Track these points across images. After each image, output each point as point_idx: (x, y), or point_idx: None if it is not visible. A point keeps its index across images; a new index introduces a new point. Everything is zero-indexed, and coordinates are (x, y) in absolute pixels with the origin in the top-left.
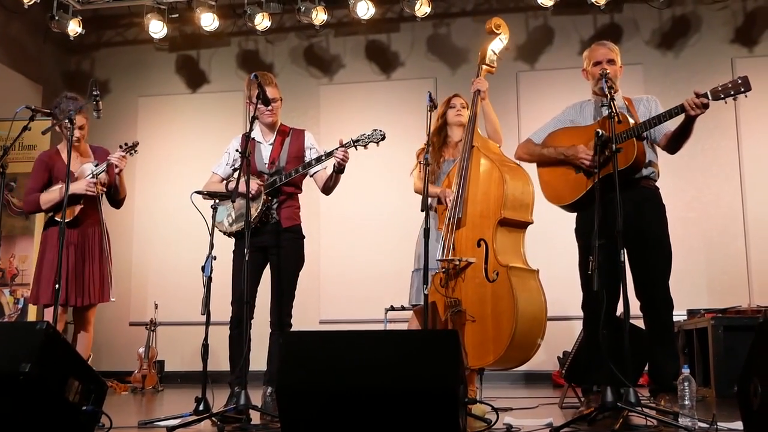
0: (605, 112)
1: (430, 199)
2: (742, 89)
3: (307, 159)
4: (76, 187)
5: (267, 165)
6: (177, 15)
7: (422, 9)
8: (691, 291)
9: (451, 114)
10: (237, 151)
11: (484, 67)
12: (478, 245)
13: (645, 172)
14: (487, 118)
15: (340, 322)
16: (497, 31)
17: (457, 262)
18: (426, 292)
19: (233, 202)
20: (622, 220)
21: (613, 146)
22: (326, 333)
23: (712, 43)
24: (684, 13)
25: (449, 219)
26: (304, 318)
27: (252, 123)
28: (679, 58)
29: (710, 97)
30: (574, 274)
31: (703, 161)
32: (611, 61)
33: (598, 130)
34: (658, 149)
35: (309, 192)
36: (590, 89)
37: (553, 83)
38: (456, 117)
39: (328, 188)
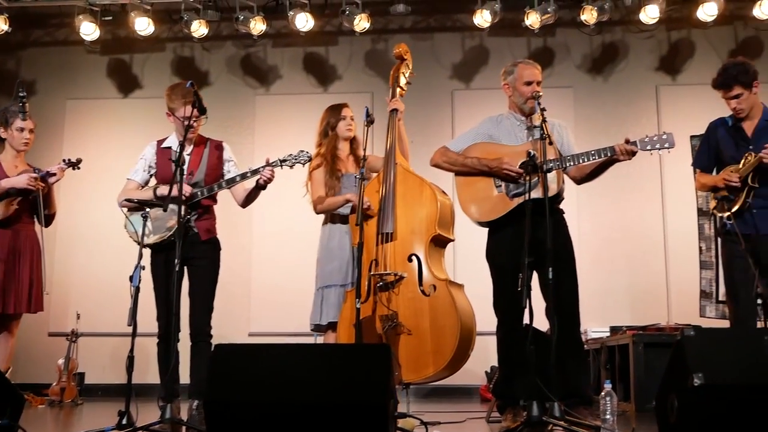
0: (537, 133)
1: (341, 210)
2: (667, 145)
3: (225, 171)
4: (16, 181)
5: (186, 176)
6: (110, 17)
7: (361, 24)
8: (614, 308)
9: (343, 127)
10: (170, 160)
11: (398, 89)
12: (410, 260)
13: (560, 197)
14: (401, 138)
15: (271, 334)
16: (405, 57)
17: (389, 277)
18: (358, 306)
19: (165, 210)
20: (550, 240)
21: (545, 168)
22: (257, 346)
23: (639, 70)
24: (613, 41)
25: (378, 234)
26: (233, 329)
27: (187, 131)
28: (607, 82)
29: (639, 146)
30: None
31: (627, 182)
32: (539, 83)
33: (531, 150)
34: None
35: (240, 215)
36: (508, 104)
37: (488, 102)
38: (347, 131)
39: (246, 202)
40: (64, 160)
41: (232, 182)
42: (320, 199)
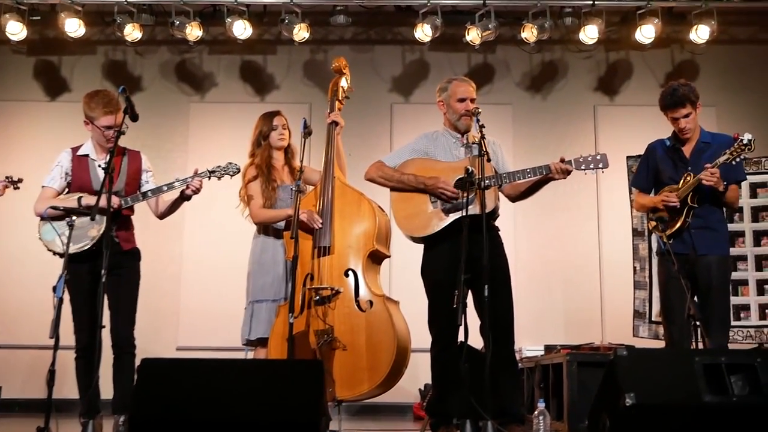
0: (475, 150)
1: (280, 224)
2: (601, 165)
3: (144, 182)
4: None
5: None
6: (39, 17)
7: (300, 34)
8: (549, 327)
9: (275, 136)
10: (100, 166)
11: (337, 102)
12: (346, 275)
13: (496, 214)
14: (339, 153)
15: (200, 349)
16: (345, 71)
17: (325, 291)
18: (291, 320)
19: (93, 219)
20: (486, 257)
21: (482, 184)
22: (185, 360)
23: (577, 89)
24: (552, 59)
25: (315, 247)
26: (160, 343)
27: (117, 137)
28: (546, 100)
29: (574, 166)
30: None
31: (563, 201)
32: (473, 101)
33: (469, 167)
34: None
35: (171, 225)
36: (443, 120)
37: (427, 117)
38: (279, 140)
39: (166, 213)
40: (7, 177)
41: (158, 191)
42: (260, 210)
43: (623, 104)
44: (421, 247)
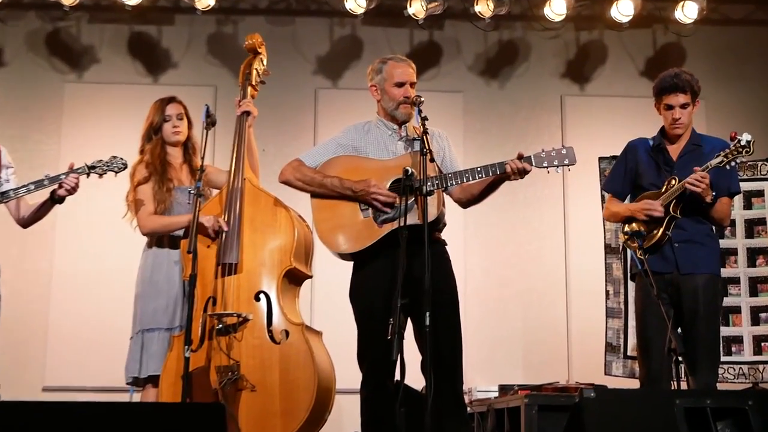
0: (416, 145)
1: (178, 232)
2: (567, 162)
3: (3, 180)
4: None
5: None
6: None
7: (204, 0)
8: (504, 362)
9: (168, 129)
10: None
11: (250, 88)
12: (257, 299)
13: (441, 224)
14: (251, 148)
15: (72, 389)
16: (260, 51)
17: (230, 318)
18: (187, 354)
19: None
20: (428, 277)
21: (425, 187)
22: (53, 404)
23: (542, 75)
24: (512, 39)
25: (219, 264)
26: (21, 382)
27: None
28: (504, 89)
29: (533, 163)
30: None
31: (525, 209)
32: (413, 85)
33: (408, 167)
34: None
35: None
36: (376, 109)
37: (359, 105)
38: (173, 133)
39: (31, 220)
40: None
41: (22, 192)
42: (150, 217)
43: (596, 94)
44: (349, 265)
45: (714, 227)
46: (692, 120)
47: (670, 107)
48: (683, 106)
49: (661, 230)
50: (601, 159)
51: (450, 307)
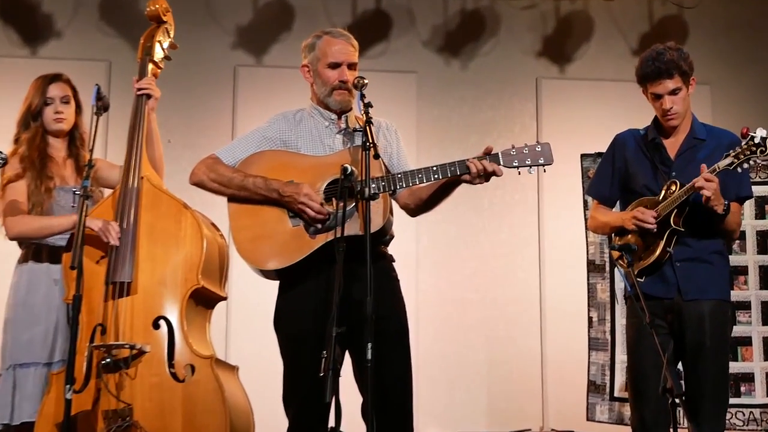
0: (358, 139)
1: (51, 240)
2: (541, 161)
3: None
4: None
5: None
6: None
7: None
8: (465, 406)
9: (49, 114)
10: None
11: (152, 65)
12: (156, 326)
13: (388, 236)
14: (152, 139)
15: None
16: (165, 19)
17: (122, 350)
18: (69, 396)
19: None
20: (371, 300)
21: (367, 190)
22: None
23: (513, 54)
24: (478, 8)
25: (108, 284)
26: None
27: None
28: (467, 69)
29: (501, 162)
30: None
31: (491, 219)
32: (353, 66)
33: (347, 166)
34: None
35: None
36: (310, 94)
37: (287, 87)
38: (55, 121)
39: None
40: None
41: None
42: (22, 218)
43: (579, 78)
44: (274, 285)
45: (724, 241)
46: (690, 104)
47: (657, 96)
48: (673, 93)
49: (661, 246)
50: (584, 157)
51: (397, 338)
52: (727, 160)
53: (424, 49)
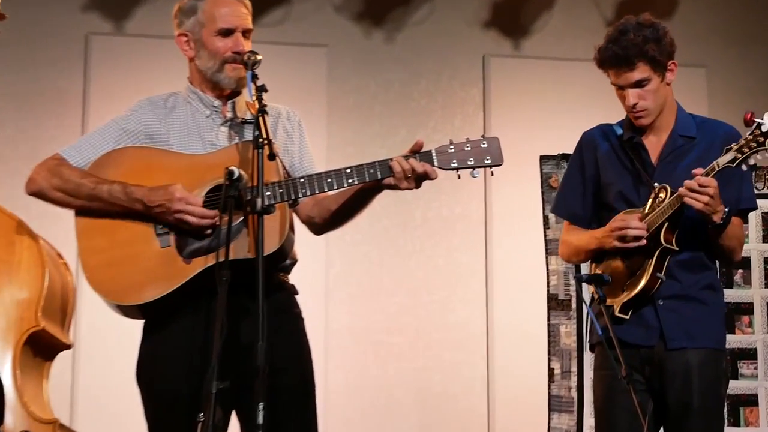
0: (248, 132)
1: None
2: (488, 160)
3: None
4: None
5: None
6: None
7: None
8: None
9: None
10: None
11: None
12: None
13: (288, 260)
14: None
15: None
16: None
17: None
18: None
19: None
20: (264, 343)
21: (260, 200)
22: None
23: (454, 25)
24: None
25: None
26: None
27: None
28: (394, 43)
29: (436, 163)
30: None
31: (424, 239)
32: (248, 34)
33: (234, 168)
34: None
35: None
36: (188, 73)
37: (156, 60)
38: None
39: None
40: None
41: None
42: None
43: (538, 56)
44: (135, 325)
45: (718, 269)
46: (669, 96)
47: (620, 88)
48: (639, 84)
49: (650, 270)
50: (545, 159)
51: (300, 396)
52: (728, 156)
53: (338, 15)
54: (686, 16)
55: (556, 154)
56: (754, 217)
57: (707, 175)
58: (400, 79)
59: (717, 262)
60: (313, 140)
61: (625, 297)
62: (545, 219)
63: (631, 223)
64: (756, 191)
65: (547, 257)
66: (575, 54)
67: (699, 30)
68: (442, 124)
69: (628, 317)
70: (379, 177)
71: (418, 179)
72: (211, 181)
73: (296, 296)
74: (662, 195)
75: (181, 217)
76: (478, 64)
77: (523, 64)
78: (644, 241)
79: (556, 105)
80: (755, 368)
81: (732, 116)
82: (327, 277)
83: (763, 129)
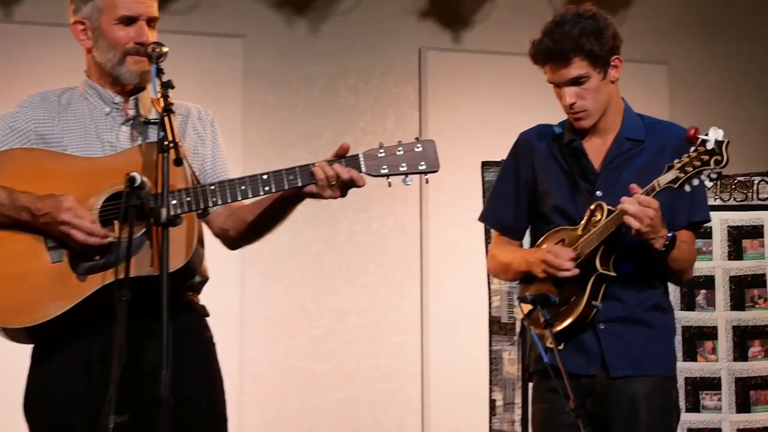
0: (152, 134)
1: None
2: (423, 166)
3: None
4: None
5: None
6: None
7: None
8: None
9: None
10: None
11: None
12: None
13: (197, 277)
14: None
15: None
16: None
17: None
18: None
19: None
20: (168, 372)
21: (165, 210)
22: None
23: (387, 14)
24: None
25: None
26: None
27: None
28: (319, 34)
29: (363, 168)
30: None
31: (353, 257)
32: (153, 23)
33: (135, 174)
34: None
35: None
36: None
37: (50, 51)
38: None
39: None
40: None
41: None
42: None
43: (480, 50)
44: (23, 350)
45: (668, 287)
46: (614, 94)
47: (556, 86)
48: (576, 82)
49: (584, 299)
50: (487, 165)
51: (209, 425)
52: (670, 175)
53: (255, 2)
54: (645, 9)
55: (499, 159)
56: (719, 232)
57: (647, 194)
58: (326, 74)
59: (667, 283)
60: (227, 142)
61: (558, 326)
62: (487, 231)
63: (563, 264)
64: (721, 202)
65: (488, 277)
66: (521, 48)
67: (660, 25)
68: (373, 125)
69: (561, 348)
70: (300, 184)
71: (343, 187)
72: (110, 188)
73: (207, 318)
74: (598, 215)
75: (67, 231)
76: (414, 58)
77: (464, 58)
78: (577, 271)
79: (500, 104)
80: (719, 399)
81: (694, 115)
82: (242, 298)
83: (708, 147)
